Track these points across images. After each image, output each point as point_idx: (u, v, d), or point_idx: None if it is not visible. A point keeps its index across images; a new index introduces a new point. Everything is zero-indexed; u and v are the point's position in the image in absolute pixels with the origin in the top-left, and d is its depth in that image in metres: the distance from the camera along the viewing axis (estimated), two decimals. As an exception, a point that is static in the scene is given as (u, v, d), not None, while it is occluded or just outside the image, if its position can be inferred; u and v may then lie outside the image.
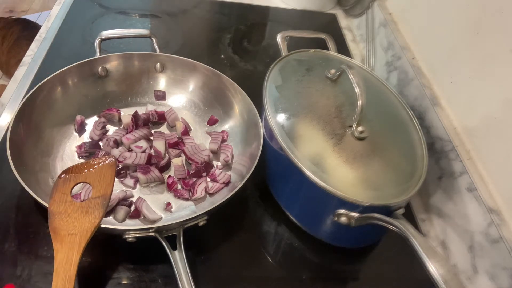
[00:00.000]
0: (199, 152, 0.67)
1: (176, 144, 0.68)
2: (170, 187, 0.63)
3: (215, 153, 0.70)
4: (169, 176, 0.64)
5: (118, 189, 0.62)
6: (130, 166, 0.64)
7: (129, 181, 0.63)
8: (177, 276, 0.49)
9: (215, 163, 0.69)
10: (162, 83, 0.77)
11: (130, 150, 0.66)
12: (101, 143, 0.67)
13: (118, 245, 0.56)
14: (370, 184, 0.56)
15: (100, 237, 0.57)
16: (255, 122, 0.66)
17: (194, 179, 0.64)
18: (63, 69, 0.67)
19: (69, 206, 0.49)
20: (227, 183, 0.65)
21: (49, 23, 0.90)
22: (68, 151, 0.65)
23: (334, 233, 0.61)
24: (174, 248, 0.52)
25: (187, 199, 0.63)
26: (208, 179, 0.65)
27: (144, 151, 0.65)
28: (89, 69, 0.70)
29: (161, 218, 0.60)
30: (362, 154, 0.59)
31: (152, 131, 0.70)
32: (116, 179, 0.63)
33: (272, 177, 0.66)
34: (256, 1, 1.11)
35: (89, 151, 0.65)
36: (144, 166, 0.63)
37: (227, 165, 0.68)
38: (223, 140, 0.71)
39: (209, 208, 0.54)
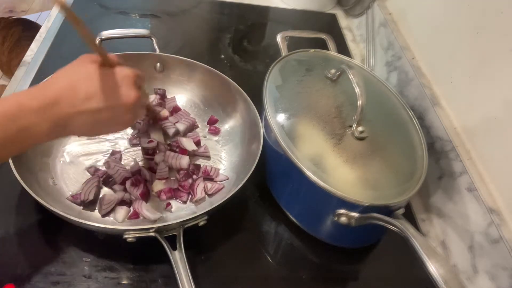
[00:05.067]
0: (177, 161, 0.65)
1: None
2: (166, 196, 0.62)
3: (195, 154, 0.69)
4: (161, 191, 0.62)
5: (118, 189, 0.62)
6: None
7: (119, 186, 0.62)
8: (177, 276, 0.49)
9: (206, 162, 0.68)
10: (162, 83, 0.77)
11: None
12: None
13: (118, 245, 0.56)
14: (370, 184, 0.56)
15: (100, 237, 0.57)
16: (255, 122, 0.66)
17: (191, 181, 0.64)
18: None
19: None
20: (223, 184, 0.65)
21: (49, 23, 0.90)
22: (68, 151, 0.65)
23: (334, 233, 0.61)
24: (174, 248, 0.52)
25: (186, 202, 0.63)
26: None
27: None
28: (89, 69, 0.70)
29: (161, 217, 0.60)
30: (362, 154, 0.59)
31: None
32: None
33: (272, 177, 0.66)
34: (256, 1, 1.11)
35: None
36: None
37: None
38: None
39: (209, 208, 0.54)
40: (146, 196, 0.61)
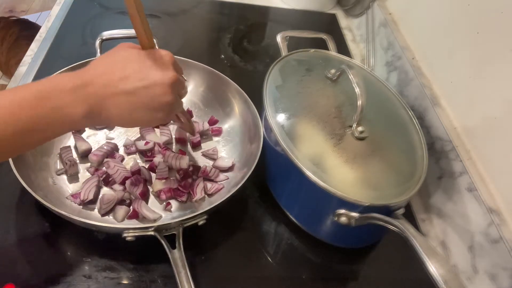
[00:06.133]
0: (177, 161, 0.65)
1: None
2: (165, 196, 0.62)
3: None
4: (160, 191, 0.62)
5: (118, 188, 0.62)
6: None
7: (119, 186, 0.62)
8: (176, 275, 0.49)
9: (207, 162, 0.68)
10: (162, 83, 0.76)
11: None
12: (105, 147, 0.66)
13: (118, 245, 0.56)
14: (370, 184, 0.56)
15: (100, 236, 0.57)
16: (255, 122, 0.66)
17: (190, 181, 0.64)
18: (63, 69, 0.66)
19: None
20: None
21: (49, 23, 0.90)
22: (68, 151, 0.65)
23: (334, 233, 0.61)
24: (173, 247, 0.52)
25: (185, 202, 0.63)
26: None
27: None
28: (89, 69, 0.70)
29: (161, 216, 0.60)
30: (362, 154, 0.59)
31: None
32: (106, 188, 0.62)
33: (272, 177, 0.66)
34: (256, 1, 1.11)
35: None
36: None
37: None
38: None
39: (209, 207, 0.54)
40: (145, 195, 0.61)
